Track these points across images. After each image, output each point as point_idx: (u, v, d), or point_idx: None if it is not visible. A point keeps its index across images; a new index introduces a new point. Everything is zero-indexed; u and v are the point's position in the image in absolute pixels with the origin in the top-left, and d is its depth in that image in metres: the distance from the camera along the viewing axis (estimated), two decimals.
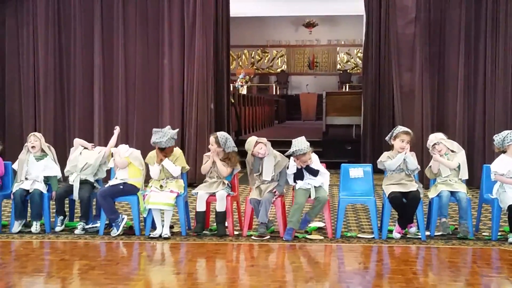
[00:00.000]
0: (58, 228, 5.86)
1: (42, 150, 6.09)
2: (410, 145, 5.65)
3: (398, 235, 5.60)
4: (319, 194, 5.56)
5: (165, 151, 5.73)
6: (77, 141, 6.18)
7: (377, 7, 10.02)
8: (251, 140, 5.71)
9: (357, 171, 5.94)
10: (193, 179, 8.72)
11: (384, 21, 9.90)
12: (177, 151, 5.87)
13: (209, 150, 5.90)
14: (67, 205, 6.20)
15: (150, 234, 5.63)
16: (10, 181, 6.17)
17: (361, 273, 4.49)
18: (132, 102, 9.20)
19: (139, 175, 5.85)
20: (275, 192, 5.65)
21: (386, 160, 5.68)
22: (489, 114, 8.76)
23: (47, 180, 6.02)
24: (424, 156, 8.28)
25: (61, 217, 5.90)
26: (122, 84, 9.17)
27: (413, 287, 4.15)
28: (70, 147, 8.95)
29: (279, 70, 25.34)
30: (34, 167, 5.98)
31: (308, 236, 5.66)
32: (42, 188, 5.93)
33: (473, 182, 7.84)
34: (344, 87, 22.08)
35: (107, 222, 5.85)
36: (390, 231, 5.69)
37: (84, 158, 5.98)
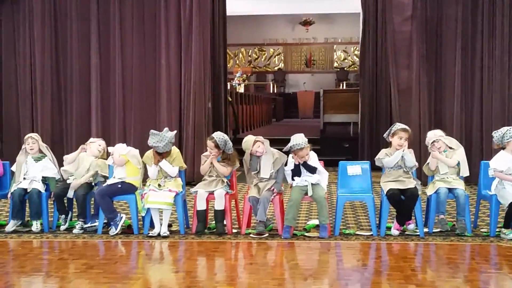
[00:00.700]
0: (63, 227, 5.85)
1: (40, 151, 6.08)
2: (408, 142, 5.66)
3: (397, 232, 5.61)
4: (316, 192, 5.56)
5: (162, 155, 5.73)
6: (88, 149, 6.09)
7: (374, 4, 10.03)
8: (249, 139, 5.71)
9: (355, 169, 5.94)
10: (191, 178, 8.72)
11: (380, 18, 9.91)
12: (174, 150, 5.85)
13: (207, 150, 5.90)
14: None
15: (148, 233, 5.64)
16: (8, 182, 6.17)
17: (359, 270, 4.49)
18: (129, 102, 9.19)
19: (137, 174, 5.84)
20: (273, 190, 5.66)
21: (384, 157, 5.68)
22: (487, 111, 8.77)
23: (45, 180, 6.01)
24: (422, 153, 8.30)
25: (64, 216, 5.89)
26: (119, 84, 9.16)
27: (411, 283, 4.15)
28: (67, 147, 9.06)
29: (276, 68, 25.33)
30: (33, 168, 5.99)
31: (306, 234, 5.66)
32: (40, 187, 5.93)
33: (470, 178, 7.85)
34: (341, 84, 22.11)
35: (105, 221, 5.84)
36: (389, 228, 5.70)
37: (84, 165, 5.97)
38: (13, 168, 6.06)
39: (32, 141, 6.03)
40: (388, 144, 5.82)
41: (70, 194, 5.90)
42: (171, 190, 5.68)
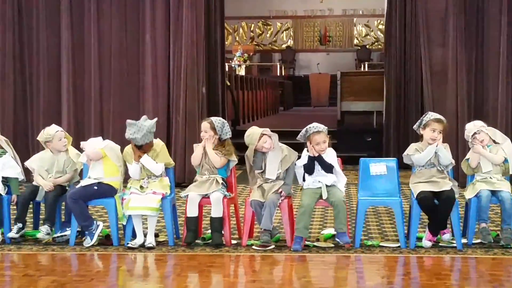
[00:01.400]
0: (11, 234, 5.83)
1: (0, 146, 6.09)
2: (442, 135, 5.65)
3: (429, 244, 5.61)
4: (333, 194, 5.55)
5: (143, 149, 5.73)
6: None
7: None
8: (254, 132, 5.70)
9: (379, 167, 5.94)
10: (182, 178, 8.73)
11: None
12: (158, 144, 5.86)
13: (201, 141, 5.91)
14: (31, 211, 6.20)
15: (129, 244, 5.64)
16: None
17: None
18: (107, 88, 9.20)
19: (117, 173, 5.85)
20: (281, 192, 5.66)
21: (414, 153, 5.68)
22: None
23: (6, 181, 6.01)
24: (459, 148, 8.28)
25: (20, 225, 5.87)
26: (94, 65, 9.16)
27: None
28: (32, 140, 9.05)
29: (284, 46, 25.33)
30: None
31: (320, 245, 5.67)
32: (1, 190, 5.93)
33: None
34: (362, 66, 22.07)
35: (79, 230, 5.84)
36: (420, 239, 5.69)
37: (59, 163, 5.98)
38: None
39: None
40: (419, 138, 5.81)
41: (40, 196, 5.90)
42: (156, 193, 5.69)
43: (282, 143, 5.84)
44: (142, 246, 5.63)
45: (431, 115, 5.71)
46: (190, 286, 4.67)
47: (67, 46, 9.16)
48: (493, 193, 5.63)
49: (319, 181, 5.61)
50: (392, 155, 9.69)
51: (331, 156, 5.66)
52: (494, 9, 8.77)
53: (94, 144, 5.85)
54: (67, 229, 5.90)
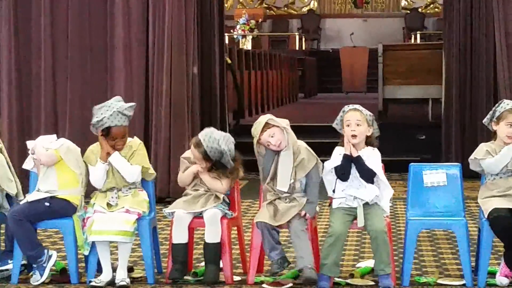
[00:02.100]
0: None
1: None
2: None
3: (506, 281, 5.59)
4: (371, 221, 5.50)
5: (112, 137, 5.72)
6: None
7: None
8: (261, 120, 5.67)
9: (436, 176, 5.93)
10: (165, 190, 8.76)
11: None
12: (135, 141, 5.89)
13: (189, 143, 5.89)
14: None
15: (92, 282, 5.64)
16: None
17: None
18: (63, 68, 9.24)
19: (76, 184, 5.85)
20: (305, 215, 5.60)
21: (484, 157, 5.66)
22: None
23: None
24: None
25: None
26: (46, 38, 9.19)
27: None
28: None
29: (305, 9, 25.34)
30: None
31: (354, 283, 5.66)
32: None
33: None
34: (413, 36, 22.02)
35: (24, 262, 5.85)
36: (492, 274, 5.68)
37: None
38: None
39: None
40: (491, 136, 5.79)
41: None
42: (129, 211, 5.68)
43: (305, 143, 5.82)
44: (111, 284, 5.62)
45: (507, 104, 5.69)
46: None
47: (7, 12, 9.18)
48: None
49: (353, 196, 5.58)
50: (454, 159, 9.66)
51: (373, 158, 5.60)
52: None
53: (46, 144, 5.86)
54: (9, 261, 5.89)
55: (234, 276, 5.78)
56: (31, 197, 5.84)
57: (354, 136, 5.54)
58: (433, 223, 5.97)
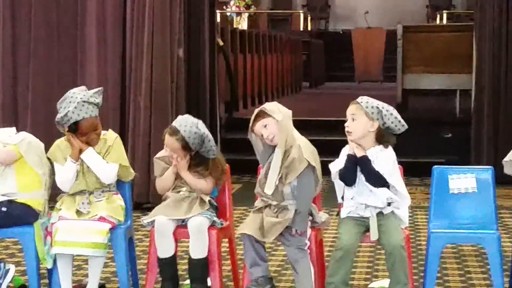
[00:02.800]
0: None
1: None
2: None
3: None
4: (386, 234, 5.49)
5: (82, 132, 5.72)
6: None
7: None
8: (262, 106, 5.66)
9: (464, 181, 5.95)
10: (144, 195, 8.79)
11: None
12: (110, 135, 5.91)
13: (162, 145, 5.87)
14: None
15: None
16: None
17: None
18: (25, 49, 9.27)
19: (38, 186, 5.87)
20: (296, 233, 5.56)
21: None
22: None
23: None
24: None
25: None
26: (4, 14, 9.22)
27: None
28: None
29: None
30: None
31: None
32: None
33: None
34: (438, 16, 22.05)
35: None
36: None
37: None
38: None
39: None
40: None
41: None
42: (104, 219, 5.69)
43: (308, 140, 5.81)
44: None
45: None
46: None
47: None
48: None
49: (364, 204, 5.58)
50: (485, 162, 9.67)
51: (383, 159, 5.59)
52: None
53: (4, 139, 5.87)
54: None
55: None
56: None
57: (348, 132, 5.54)
58: (460, 237, 5.94)
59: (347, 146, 5.62)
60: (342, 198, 5.67)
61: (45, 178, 5.88)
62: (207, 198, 5.79)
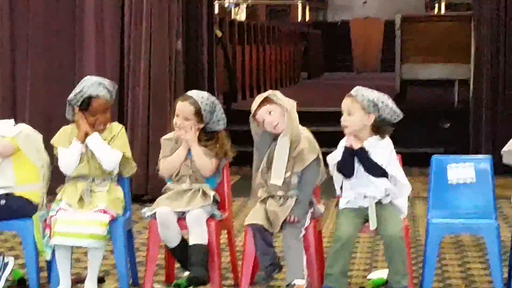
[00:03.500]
0: None
1: None
2: None
3: None
4: (385, 224, 5.50)
5: (93, 111, 5.73)
6: None
7: None
8: (265, 93, 5.68)
9: (462, 171, 5.94)
10: (143, 187, 8.80)
11: None
12: (116, 126, 5.93)
13: (171, 130, 5.87)
14: None
15: None
16: None
17: None
18: (24, 41, 9.27)
19: (37, 179, 5.87)
20: (293, 220, 5.57)
21: None
22: None
23: None
24: None
25: None
26: (4, 5, 9.21)
27: None
28: None
29: None
30: None
31: None
32: None
33: None
34: (437, 6, 22.02)
35: None
36: None
37: None
38: None
39: None
40: None
41: None
42: (106, 211, 5.68)
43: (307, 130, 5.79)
44: None
45: None
46: None
47: None
48: None
49: (363, 195, 5.57)
50: (484, 152, 9.66)
51: (380, 149, 5.59)
52: None
53: (1, 131, 5.86)
54: None
55: (223, 286, 5.78)
56: None
57: (344, 126, 5.55)
58: (458, 227, 5.96)
59: (345, 138, 5.61)
60: (341, 189, 5.66)
61: (44, 171, 5.87)
62: (210, 192, 5.79)
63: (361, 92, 5.52)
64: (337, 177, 5.64)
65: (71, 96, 5.77)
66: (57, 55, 9.25)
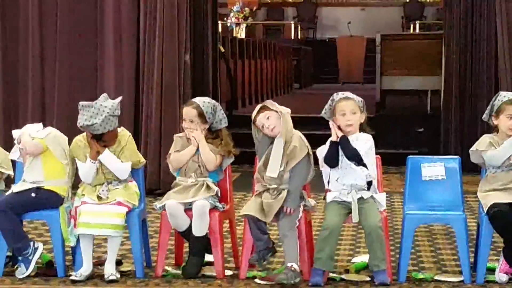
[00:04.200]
0: None
1: None
2: None
3: (505, 277, 5.58)
4: (366, 215, 5.49)
5: (103, 139, 5.71)
6: None
7: None
8: (259, 105, 5.71)
9: (434, 169, 5.94)
10: (155, 181, 8.75)
11: None
12: (124, 134, 5.87)
13: (182, 130, 5.89)
14: None
15: (72, 276, 5.64)
16: None
17: None
18: (51, 54, 9.23)
19: (62, 175, 5.85)
20: (288, 211, 5.57)
21: (486, 148, 5.65)
22: None
23: None
24: None
25: None
26: (33, 23, 9.18)
27: None
28: None
29: None
30: None
31: (349, 278, 5.67)
32: None
33: None
34: (412, 26, 22.02)
35: (9, 254, 5.85)
36: (491, 270, 5.68)
37: None
38: None
39: None
40: (491, 129, 5.79)
41: None
42: (121, 204, 5.67)
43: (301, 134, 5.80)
44: (91, 278, 5.63)
45: (503, 96, 5.69)
46: None
47: None
48: None
49: (348, 192, 5.55)
50: (453, 152, 9.65)
51: (362, 141, 5.58)
52: None
53: (33, 133, 5.84)
54: None
55: (226, 271, 5.77)
56: (17, 187, 5.84)
57: (350, 125, 5.57)
58: (431, 218, 5.98)
59: (332, 135, 5.64)
60: (328, 183, 5.66)
61: (68, 168, 5.86)
62: (213, 186, 5.78)
63: (353, 95, 5.64)
64: (325, 173, 5.65)
65: (83, 123, 5.63)
66: (80, 68, 9.21)
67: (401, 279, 5.61)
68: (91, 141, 5.74)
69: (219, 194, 5.84)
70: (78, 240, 5.69)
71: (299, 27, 24.31)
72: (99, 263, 5.86)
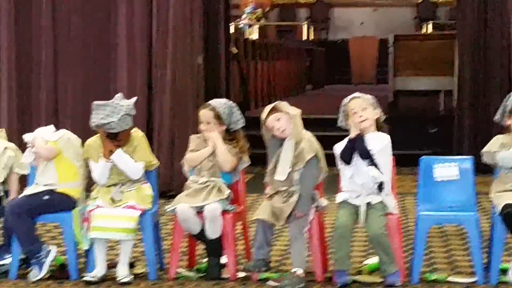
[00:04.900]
0: None
1: None
2: None
3: None
4: (369, 221, 5.49)
5: (117, 138, 5.71)
6: None
7: None
8: (269, 106, 5.68)
9: (447, 170, 5.93)
10: (168, 185, 8.75)
11: None
12: (137, 134, 5.87)
13: (198, 132, 5.89)
14: None
15: (85, 277, 5.65)
16: None
17: None
18: (65, 56, 9.25)
19: (75, 177, 5.86)
20: (296, 215, 5.55)
21: (499, 149, 5.66)
22: None
23: None
24: None
25: None
26: (47, 24, 9.20)
27: None
28: None
29: None
30: None
31: (363, 280, 5.68)
32: None
33: None
34: (425, 26, 21.95)
35: (22, 257, 5.86)
36: (504, 271, 5.67)
37: None
38: None
39: None
40: (504, 129, 5.78)
41: None
42: (134, 208, 5.67)
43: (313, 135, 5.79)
44: (105, 280, 5.64)
45: None
46: None
47: (7, 3, 9.16)
48: None
49: (357, 196, 5.54)
50: (466, 153, 9.61)
51: (378, 137, 5.56)
52: None
53: (46, 136, 5.85)
54: (6, 256, 5.91)
55: (239, 273, 5.77)
56: (30, 190, 5.85)
57: (363, 121, 5.56)
58: (444, 218, 5.97)
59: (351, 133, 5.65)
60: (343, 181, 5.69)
61: (82, 170, 5.88)
62: (225, 188, 5.76)
63: (361, 94, 5.67)
64: (342, 170, 5.65)
65: (98, 122, 5.65)
66: (94, 70, 9.24)
67: (414, 280, 5.61)
68: (105, 140, 5.74)
69: (231, 197, 5.81)
70: (91, 244, 5.70)
71: (311, 28, 24.27)
72: (112, 265, 5.87)
